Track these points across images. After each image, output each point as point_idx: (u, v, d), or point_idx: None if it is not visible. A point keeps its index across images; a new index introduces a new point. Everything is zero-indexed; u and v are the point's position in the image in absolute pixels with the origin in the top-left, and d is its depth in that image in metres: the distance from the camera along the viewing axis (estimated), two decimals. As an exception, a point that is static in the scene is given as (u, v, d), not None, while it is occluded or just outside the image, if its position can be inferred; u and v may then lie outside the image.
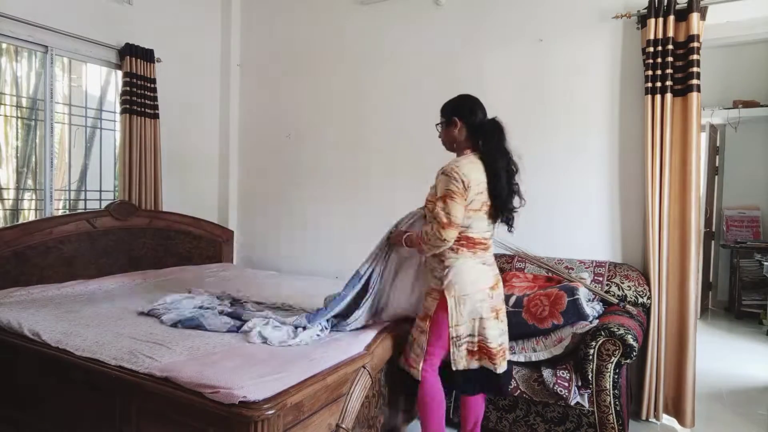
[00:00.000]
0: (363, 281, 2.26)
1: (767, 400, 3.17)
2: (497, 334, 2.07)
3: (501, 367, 2.09)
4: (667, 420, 2.79)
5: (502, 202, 2.02)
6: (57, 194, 3.48)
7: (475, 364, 2.08)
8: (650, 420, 2.78)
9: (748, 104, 5.16)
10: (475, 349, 2.07)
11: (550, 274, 2.88)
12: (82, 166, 3.94)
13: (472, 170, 1.97)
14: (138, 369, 1.79)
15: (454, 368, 2.06)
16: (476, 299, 2.02)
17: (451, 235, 1.93)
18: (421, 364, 2.10)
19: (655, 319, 2.72)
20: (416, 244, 2.10)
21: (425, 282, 2.19)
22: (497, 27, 3.34)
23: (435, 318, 2.05)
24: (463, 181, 1.92)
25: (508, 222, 2.10)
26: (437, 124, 2.19)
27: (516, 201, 2.09)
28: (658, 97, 2.71)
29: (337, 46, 3.97)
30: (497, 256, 3.17)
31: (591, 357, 2.27)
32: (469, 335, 2.05)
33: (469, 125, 2.07)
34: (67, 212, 3.65)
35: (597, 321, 2.46)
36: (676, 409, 2.73)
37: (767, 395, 3.24)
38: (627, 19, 2.91)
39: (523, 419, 2.44)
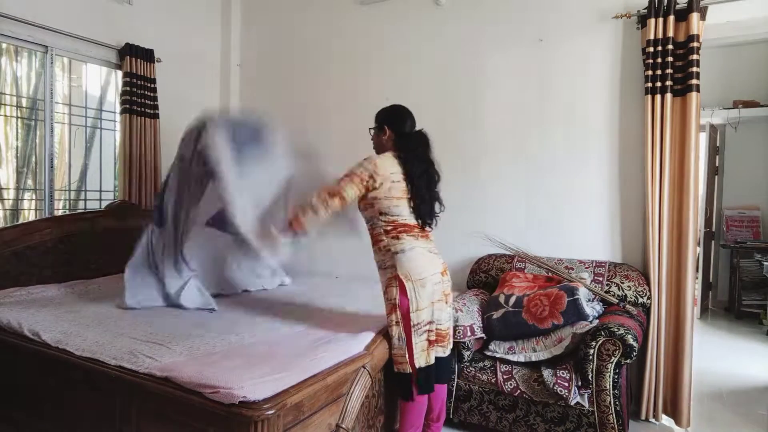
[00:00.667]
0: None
1: (767, 400, 3.17)
2: (446, 317, 2.18)
3: (447, 350, 2.22)
4: (666, 420, 2.79)
5: (422, 206, 2.13)
6: (57, 194, 3.48)
7: (432, 358, 2.12)
8: (650, 420, 2.78)
9: (748, 104, 5.15)
10: (434, 338, 2.12)
11: (550, 274, 2.88)
12: (82, 166, 3.94)
13: (387, 164, 2.10)
14: (138, 369, 1.79)
15: (416, 366, 2.08)
16: (433, 281, 2.10)
17: (334, 204, 2.01)
18: (407, 356, 2.09)
19: (655, 319, 2.72)
20: (292, 219, 2.06)
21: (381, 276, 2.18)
22: (497, 27, 3.34)
23: (401, 304, 2.07)
24: (372, 175, 2.04)
25: (429, 224, 2.19)
26: (370, 129, 2.32)
27: (437, 207, 2.22)
28: (658, 97, 2.71)
29: (337, 46, 3.97)
30: (497, 256, 3.18)
31: (591, 357, 2.27)
32: (429, 322, 2.10)
33: (397, 135, 2.21)
34: (67, 212, 3.65)
35: (597, 321, 2.46)
36: (673, 410, 2.73)
37: (767, 395, 3.24)
38: (627, 19, 2.91)
39: (523, 419, 2.44)
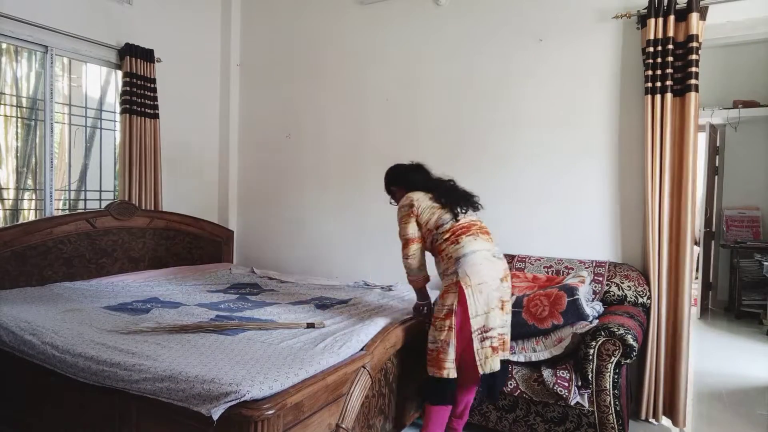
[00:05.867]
0: None
1: (767, 400, 3.17)
2: (499, 324, 2.17)
3: (506, 355, 2.24)
4: (666, 421, 2.79)
5: (445, 197, 2.33)
6: (57, 194, 3.48)
7: (497, 364, 2.15)
8: (649, 420, 2.78)
9: (748, 104, 5.15)
10: (497, 344, 2.15)
11: (550, 274, 2.88)
12: (82, 166, 3.93)
13: (416, 194, 2.37)
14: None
15: (480, 372, 2.11)
16: (491, 288, 2.13)
17: (412, 249, 2.31)
18: (446, 361, 2.13)
19: (654, 319, 2.72)
20: (416, 286, 2.44)
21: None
22: (497, 27, 3.34)
23: (458, 312, 2.12)
24: (411, 203, 2.31)
25: (458, 210, 2.30)
26: (390, 201, 2.58)
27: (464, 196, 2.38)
28: (657, 96, 2.71)
29: (336, 46, 3.97)
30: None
31: (591, 357, 2.27)
32: (489, 328, 2.13)
33: (406, 185, 2.46)
34: (67, 212, 3.65)
35: (597, 321, 2.46)
36: (671, 410, 2.73)
37: (767, 395, 3.24)
38: (627, 19, 2.91)
39: (523, 419, 2.44)
